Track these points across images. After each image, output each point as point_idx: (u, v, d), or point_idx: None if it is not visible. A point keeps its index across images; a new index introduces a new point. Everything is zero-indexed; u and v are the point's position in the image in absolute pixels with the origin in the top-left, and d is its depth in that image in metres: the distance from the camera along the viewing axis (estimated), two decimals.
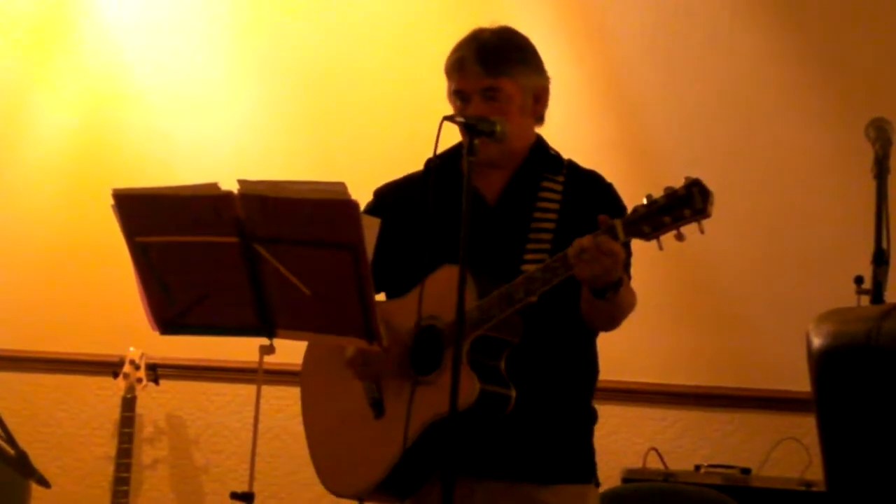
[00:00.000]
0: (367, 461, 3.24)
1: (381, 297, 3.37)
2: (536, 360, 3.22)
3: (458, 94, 3.30)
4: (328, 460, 3.37)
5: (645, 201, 3.01)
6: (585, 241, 3.00)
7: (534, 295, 3.09)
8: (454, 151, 3.34)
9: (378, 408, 3.27)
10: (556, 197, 3.30)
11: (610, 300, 3.10)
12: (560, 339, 3.26)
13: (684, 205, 2.96)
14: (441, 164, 3.29)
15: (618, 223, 3.01)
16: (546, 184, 3.32)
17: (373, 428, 3.26)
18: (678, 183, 3.02)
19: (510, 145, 3.29)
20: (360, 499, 3.30)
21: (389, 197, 3.44)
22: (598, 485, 3.37)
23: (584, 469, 3.33)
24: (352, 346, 3.23)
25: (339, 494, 3.36)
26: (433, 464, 3.16)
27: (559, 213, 3.27)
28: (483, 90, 3.26)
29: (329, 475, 3.36)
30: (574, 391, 3.32)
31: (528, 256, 3.22)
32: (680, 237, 3.00)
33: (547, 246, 3.23)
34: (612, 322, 3.24)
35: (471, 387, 3.08)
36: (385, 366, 3.23)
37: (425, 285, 3.16)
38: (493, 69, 3.27)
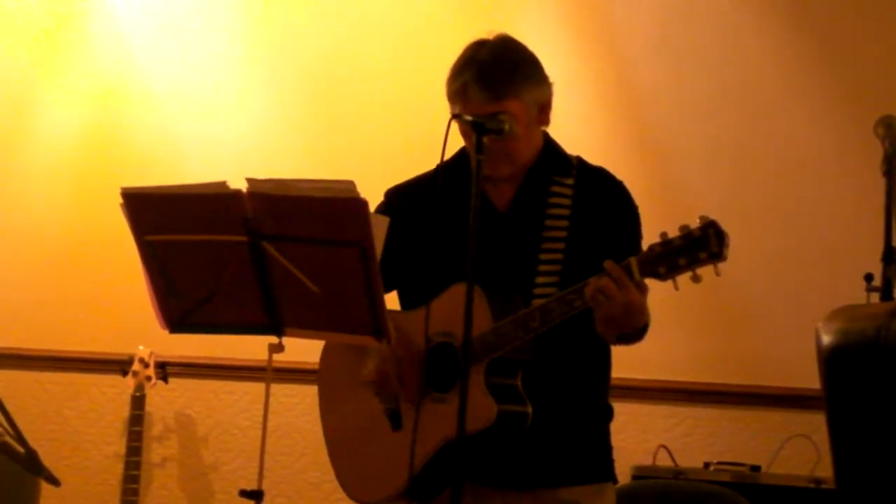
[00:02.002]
0: (386, 473, 3.23)
1: (390, 296, 3.37)
2: (550, 372, 3.20)
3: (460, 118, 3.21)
4: (348, 467, 3.37)
5: (660, 240, 2.97)
6: (603, 281, 2.98)
7: (550, 325, 3.08)
8: (463, 152, 3.31)
9: (395, 420, 3.26)
10: (567, 201, 3.26)
11: (630, 343, 3.14)
12: (574, 350, 3.23)
13: (700, 247, 2.93)
14: (450, 166, 3.25)
15: (633, 262, 2.98)
16: (556, 188, 3.28)
17: (392, 440, 3.25)
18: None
19: (521, 159, 3.26)
20: None
21: (399, 198, 3.41)
22: (615, 482, 3.37)
23: (601, 468, 3.32)
24: (370, 365, 3.24)
25: (359, 501, 3.36)
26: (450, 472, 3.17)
27: (570, 219, 3.24)
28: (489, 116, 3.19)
29: (349, 482, 3.36)
30: (588, 395, 3.31)
31: (542, 268, 3.20)
32: (696, 279, 2.97)
33: (560, 256, 3.21)
34: (624, 344, 3.22)
35: (489, 409, 3.09)
36: (403, 379, 3.23)
37: (440, 300, 3.13)
38: (498, 93, 3.18)
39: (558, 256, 3.21)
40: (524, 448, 3.19)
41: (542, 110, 3.28)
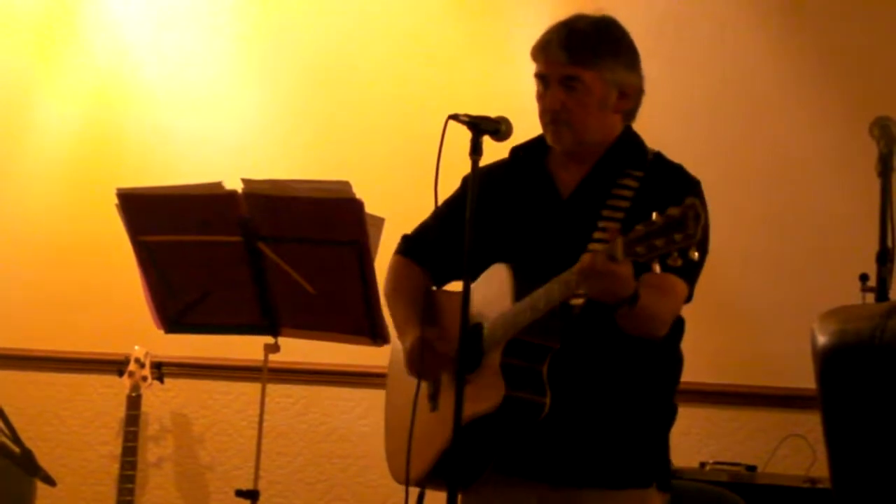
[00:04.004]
0: (420, 452, 3.22)
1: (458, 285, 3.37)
2: (590, 365, 3.15)
3: (539, 78, 3.26)
4: (393, 448, 3.38)
5: (654, 217, 2.88)
6: (585, 259, 2.93)
7: (552, 306, 3.03)
8: (538, 141, 3.31)
9: (435, 401, 3.26)
10: (630, 194, 3.22)
11: (623, 315, 3.02)
12: (613, 343, 3.16)
13: (676, 229, 2.82)
14: (526, 155, 3.29)
15: (619, 242, 2.90)
16: (623, 180, 3.24)
17: (428, 420, 3.24)
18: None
19: (584, 133, 3.25)
20: (420, 486, 3.26)
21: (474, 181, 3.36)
22: (664, 489, 3.25)
23: (644, 473, 3.23)
24: (407, 341, 3.24)
25: (399, 481, 3.33)
26: (482, 457, 3.15)
27: (629, 211, 3.18)
28: (563, 78, 3.22)
29: (391, 462, 3.39)
30: (634, 392, 3.23)
31: None
32: (676, 262, 2.84)
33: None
34: (642, 331, 3.14)
35: (497, 392, 3.06)
36: (443, 360, 3.22)
37: (478, 282, 3.11)
38: (576, 58, 3.21)
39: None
40: (552, 441, 3.14)
41: (623, 96, 3.29)
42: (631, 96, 3.31)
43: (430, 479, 3.24)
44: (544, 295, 3.06)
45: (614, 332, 3.13)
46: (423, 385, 3.28)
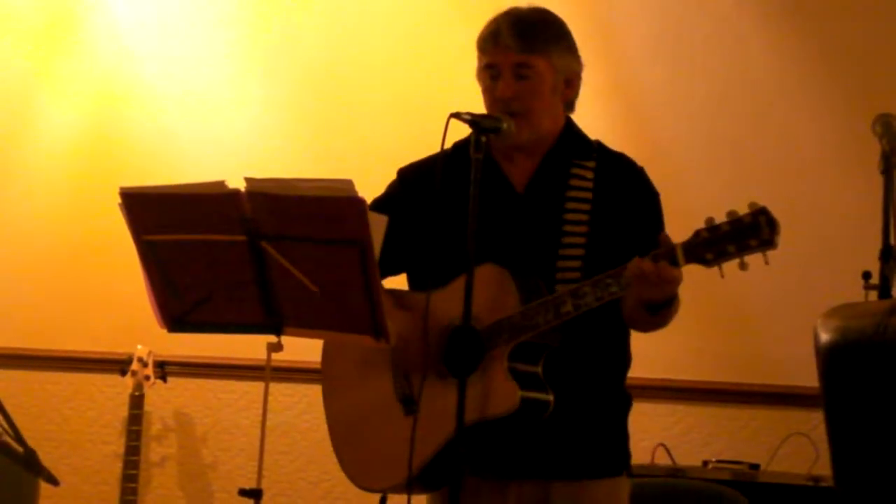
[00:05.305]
0: (398, 457, 3.11)
1: (398, 279, 3.35)
2: (573, 361, 3.16)
3: (489, 69, 3.24)
4: (354, 454, 3.29)
5: (705, 225, 2.93)
6: (646, 265, 2.94)
7: (583, 310, 3.03)
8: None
9: (409, 404, 3.20)
10: (588, 184, 3.22)
11: (663, 315, 3.08)
12: (598, 338, 3.20)
13: (750, 234, 2.91)
14: (467, 143, 3.22)
15: (679, 249, 2.94)
16: (576, 170, 3.24)
17: (403, 424, 3.15)
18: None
19: (538, 121, 3.23)
20: (384, 493, 3.23)
21: (412, 177, 3.36)
22: (631, 474, 3.31)
23: (617, 461, 3.27)
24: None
25: (365, 489, 3.28)
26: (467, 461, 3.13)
27: (592, 202, 3.20)
28: (515, 66, 3.20)
29: (355, 469, 3.28)
30: (609, 384, 3.27)
31: (564, 251, 3.17)
32: (743, 266, 2.94)
33: (582, 240, 3.17)
34: (655, 329, 3.19)
35: (512, 394, 3.05)
36: (418, 361, 3.17)
37: (465, 281, 3.06)
38: (528, 45, 3.20)
39: (580, 240, 3.17)
40: (542, 437, 3.14)
41: (569, 84, 3.27)
42: (575, 84, 3.30)
43: (411, 484, 3.13)
44: (571, 298, 3.04)
45: (600, 328, 3.17)
46: (389, 386, 3.24)
